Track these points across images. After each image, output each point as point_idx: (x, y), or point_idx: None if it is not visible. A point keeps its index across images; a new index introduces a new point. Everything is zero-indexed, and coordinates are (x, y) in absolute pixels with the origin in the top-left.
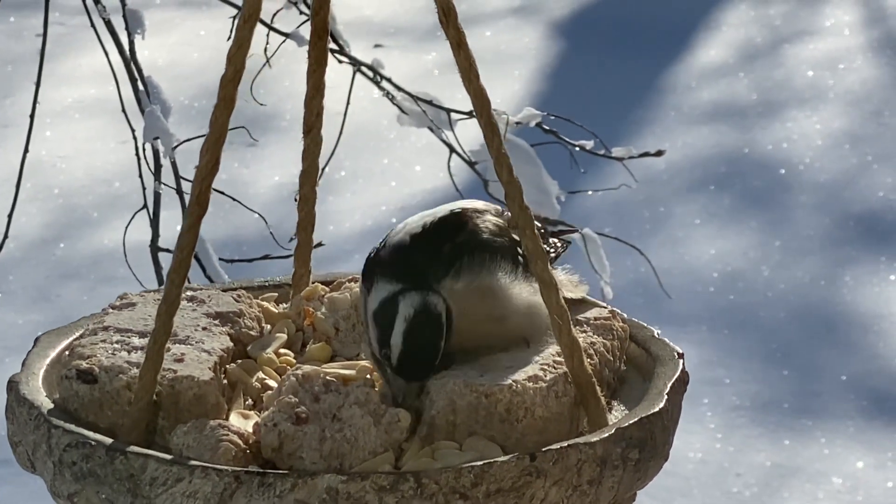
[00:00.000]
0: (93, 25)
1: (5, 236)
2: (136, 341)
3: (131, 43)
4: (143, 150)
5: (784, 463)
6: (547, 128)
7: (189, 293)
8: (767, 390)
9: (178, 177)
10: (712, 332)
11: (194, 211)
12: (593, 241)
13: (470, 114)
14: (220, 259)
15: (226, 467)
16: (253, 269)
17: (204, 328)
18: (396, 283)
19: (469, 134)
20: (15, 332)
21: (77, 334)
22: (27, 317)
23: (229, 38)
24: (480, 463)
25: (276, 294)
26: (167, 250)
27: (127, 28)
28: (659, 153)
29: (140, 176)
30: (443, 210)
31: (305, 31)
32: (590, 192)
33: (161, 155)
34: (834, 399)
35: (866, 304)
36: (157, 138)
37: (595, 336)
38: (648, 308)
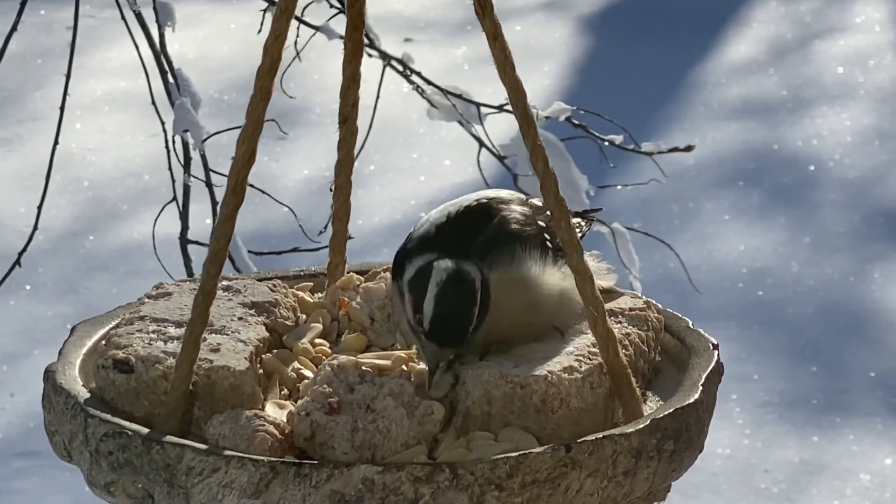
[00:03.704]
0: (123, 18)
1: (35, 228)
2: (173, 331)
3: (161, 35)
4: (173, 142)
5: (812, 459)
6: (576, 122)
7: (225, 283)
8: (796, 386)
9: (207, 169)
10: (741, 328)
11: (230, 202)
12: (622, 235)
13: (500, 108)
14: (249, 251)
15: (262, 458)
16: (282, 261)
17: (240, 318)
18: (431, 253)
19: (499, 128)
20: (44, 324)
21: (113, 324)
22: (56, 309)
23: (259, 31)
24: (516, 454)
25: (312, 284)
26: (196, 242)
27: (157, 20)
28: (688, 148)
29: (169, 168)
30: (467, 199)
31: (336, 24)
32: (619, 187)
33: (191, 147)
34: (862, 396)
35: (895, 300)
36: (186, 131)
37: (630, 327)
38: (677, 303)
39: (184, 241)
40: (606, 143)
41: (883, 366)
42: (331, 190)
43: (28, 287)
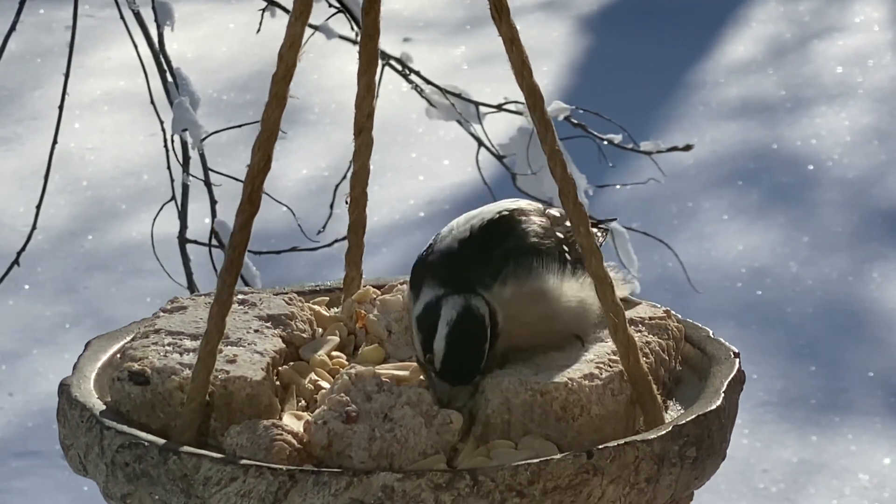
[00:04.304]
0: (122, 17)
1: (33, 228)
2: (188, 343)
3: (160, 35)
4: (172, 141)
5: (811, 459)
6: (575, 122)
7: (240, 296)
8: (794, 386)
9: (206, 169)
10: (739, 328)
11: (246, 210)
12: (621, 235)
13: (499, 107)
14: (248, 251)
15: (280, 466)
16: (281, 260)
17: (256, 330)
18: (441, 287)
19: (497, 127)
20: (43, 323)
21: (128, 338)
22: (55, 308)
23: (258, 31)
24: (537, 460)
25: (328, 298)
26: (195, 242)
27: (156, 20)
28: (687, 148)
29: (168, 168)
30: (489, 212)
31: (334, 23)
32: (618, 187)
33: (189, 147)
34: (861, 395)
35: (894, 300)
36: (185, 130)
37: (650, 335)
38: (676, 303)
39: (182, 240)
40: (605, 143)
41: (882, 365)
42: (346, 203)
43: (27, 286)
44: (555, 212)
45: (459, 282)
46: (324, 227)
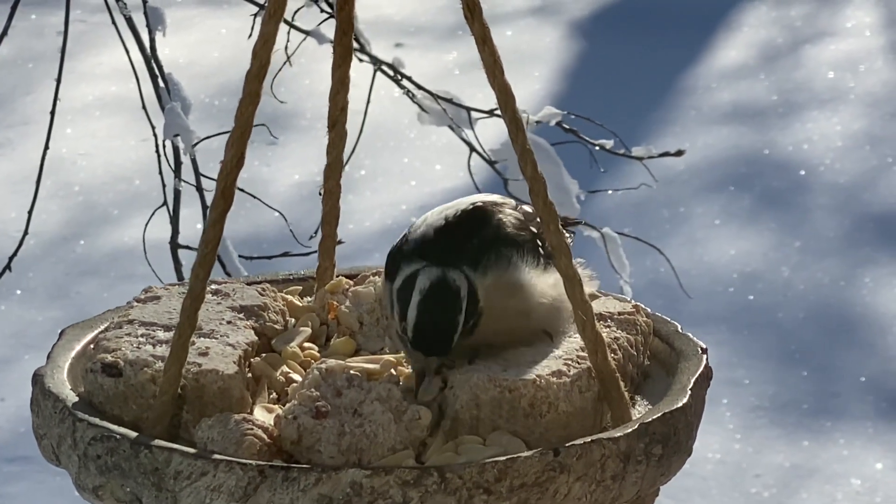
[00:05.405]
0: (114, 23)
1: (25, 233)
2: (161, 335)
3: (152, 40)
4: (164, 147)
5: (803, 464)
6: (567, 127)
7: (213, 287)
8: (786, 391)
9: (198, 174)
10: (731, 333)
11: (219, 205)
12: (613, 240)
13: (490, 112)
14: (240, 256)
15: (250, 461)
16: (273, 266)
17: (228, 322)
18: (421, 261)
19: (489, 133)
20: (35, 329)
21: (102, 327)
22: (47, 314)
23: (250, 36)
24: (504, 458)
25: (301, 287)
26: (187, 247)
27: (148, 25)
28: (679, 153)
29: (160, 173)
30: (463, 203)
31: (326, 28)
32: (609, 192)
33: (181, 152)
34: (853, 400)
35: (886, 305)
36: (177, 135)
37: (619, 331)
38: (668, 308)
39: (174, 245)
40: (597, 148)
41: (873, 370)
42: (320, 194)
43: (19, 292)
44: (527, 208)
45: (441, 259)
46: (315, 232)
